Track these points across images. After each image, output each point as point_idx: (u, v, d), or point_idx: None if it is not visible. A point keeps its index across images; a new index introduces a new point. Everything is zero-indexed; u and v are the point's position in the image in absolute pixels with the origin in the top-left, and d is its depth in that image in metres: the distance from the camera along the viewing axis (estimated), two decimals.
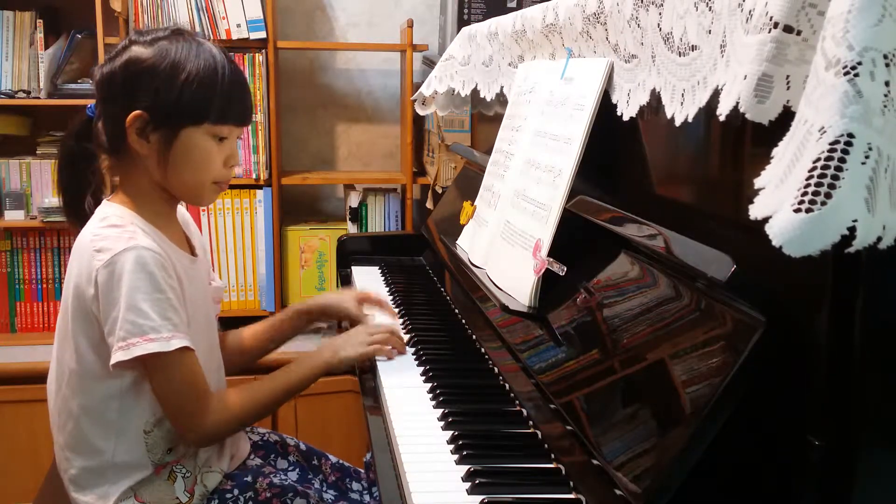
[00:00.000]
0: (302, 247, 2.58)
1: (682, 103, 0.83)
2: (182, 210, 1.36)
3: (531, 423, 1.06)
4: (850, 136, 0.52)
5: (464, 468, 0.93)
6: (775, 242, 0.53)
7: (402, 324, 1.50)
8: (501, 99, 1.59)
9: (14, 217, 2.44)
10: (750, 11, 0.67)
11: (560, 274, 1.09)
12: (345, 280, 1.90)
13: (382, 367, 1.28)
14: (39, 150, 2.49)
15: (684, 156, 1.00)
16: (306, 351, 1.35)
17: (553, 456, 0.96)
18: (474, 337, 1.39)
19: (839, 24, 0.53)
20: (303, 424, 2.40)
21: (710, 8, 0.77)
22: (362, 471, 1.53)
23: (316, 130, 2.79)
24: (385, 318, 1.49)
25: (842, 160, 0.52)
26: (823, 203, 0.52)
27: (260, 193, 2.48)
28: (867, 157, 0.52)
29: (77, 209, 1.26)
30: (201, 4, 2.36)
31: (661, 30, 0.89)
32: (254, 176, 2.46)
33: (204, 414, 1.18)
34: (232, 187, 2.46)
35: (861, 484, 0.66)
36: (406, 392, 1.18)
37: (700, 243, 0.80)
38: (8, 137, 2.50)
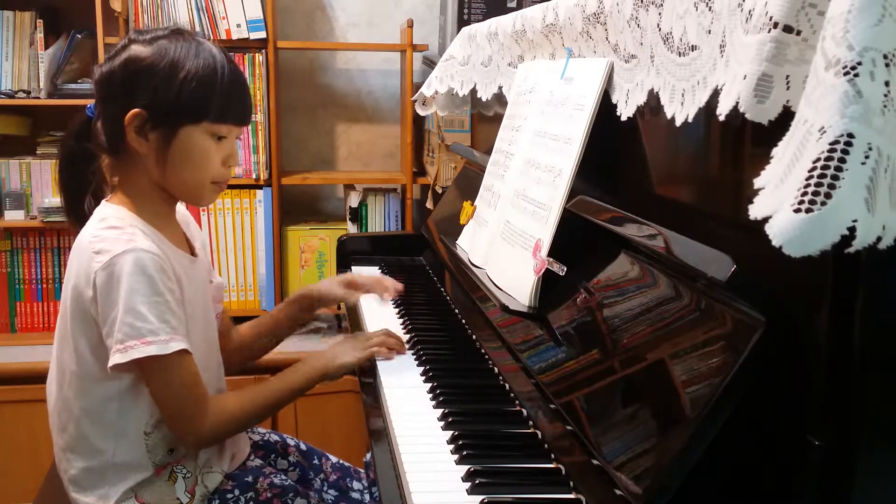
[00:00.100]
0: (302, 247, 2.58)
1: (682, 103, 0.83)
2: (182, 209, 1.36)
3: (531, 423, 1.06)
4: (850, 136, 0.52)
5: (464, 468, 0.93)
6: (775, 242, 0.53)
7: (402, 324, 1.50)
8: (501, 99, 1.59)
9: (14, 217, 2.45)
10: (750, 11, 0.67)
11: (560, 274, 1.09)
12: None
13: (382, 367, 1.28)
14: (39, 150, 2.49)
15: (684, 156, 1.00)
16: (308, 352, 1.36)
17: (553, 456, 0.96)
18: (474, 337, 1.39)
19: (839, 24, 0.53)
20: (303, 424, 2.40)
21: (710, 8, 0.77)
22: (362, 471, 1.53)
23: (316, 130, 2.79)
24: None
25: (842, 160, 0.52)
26: (823, 203, 0.52)
27: (260, 193, 2.48)
28: (867, 157, 0.52)
29: (77, 209, 1.26)
30: (201, 4, 2.36)
31: (660, 30, 0.89)
32: (254, 176, 2.46)
33: (201, 417, 1.18)
34: (232, 187, 2.46)
35: (861, 484, 0.66)
36: (406, 392, 1.18)
37: (700, 243, 0.80)
38: (8, 137, 2.50)
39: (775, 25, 0.61)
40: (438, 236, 1.74)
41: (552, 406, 0.99)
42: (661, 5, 0.88)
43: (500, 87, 1.57)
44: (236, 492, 1.27)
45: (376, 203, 2.59)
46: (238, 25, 2.38)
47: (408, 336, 1.41)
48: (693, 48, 0.81)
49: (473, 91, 1.73)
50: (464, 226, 1.54)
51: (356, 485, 1.48)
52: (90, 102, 1.24)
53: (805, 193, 0.52)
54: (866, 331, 0.65)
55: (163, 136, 1.17)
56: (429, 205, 2.46)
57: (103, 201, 1.24)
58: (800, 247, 0.52)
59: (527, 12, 1.38)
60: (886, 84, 0.52)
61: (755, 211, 0.57)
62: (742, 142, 0.84)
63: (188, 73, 1.15)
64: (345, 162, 2.82)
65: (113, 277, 1.11)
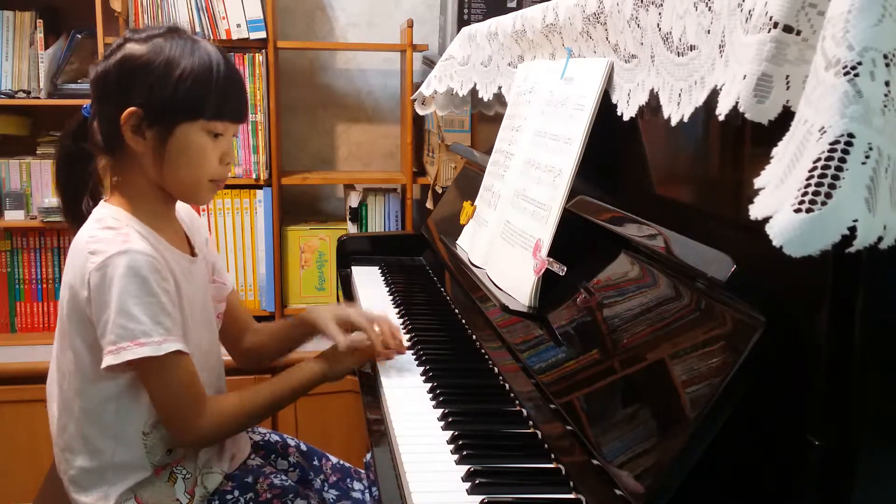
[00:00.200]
0: (302, 247, 2.58)
1: (678, 103, 0.83)
2: (187, 207, 1.36)
3: (531, 423, 1.06)
4: (851, 136, 0.52)
5: (464, 468, 0.93)
6: (775, 242, 0.53)
7: (402, 324, 1.50)
8: (501, 99, 1.59)
9: (14, 217, 2.45)
10: (749, 11, 0.67)
11: (560, 274, 1.09)
12: (345, 280, 1.90)
13: (382, 367, 1.28)
14: (39, 150, 2.49)
15: (684, 156, 1.00)
16: (309, 353, 1.36)
17: (553, 456, 0.96)
18: (474, 337, 1.39)
19: (839, 24, 0.53)
20: (303, 425, 2.40)
21: (710, 8, 0.77)
22: (363, 471, 1.53)
23: (316, 130, 2.79)
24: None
25: (842, 160, 0.52)
26: (824, 203, 0.52)
27: (260, 193, 2.48)
28: (867, 156, 0.52)
29: (75, 209, 1.25)
30: (201, 4, 2.36)
31: (660, 30, 0.89)
32: (254, 176, 2.46)
33: (199, 417, 1.18)
34: (232, 187, 2.46)
35: (861, 484, 0.66)
36: (406, 392, 1.18)
37: (700, 243, 0.79)
38: (8, 137, 2.50)
39: (775, 25, 0.61)
40: (438, 236, 1.74)
41: (552, 406, 0.99)
42: (661, 5, 0.88)
43: (500, 87, 1.57)
44: (236, 493, 1.27)
45: (376, 203, 2.59)
46: (238, 25, 2.38)
47: (408, 336, 1.41)
48: (692, 48, 0.81)
49: (473, 91, 1.73)
50: (464, 226, 1.54)
51: (357, 485, 1.48)
52: (88, 102, 1.24)
53: (805, 193, 0.52)
54: (866, 331, 0.65)
55: (159, 135, 1.17)
56: (429, 205, 2.46)
57: (101, 201, 1.24)
58: (800, 247, 0.52)
59: (527, 12, 1.38)
60: (886, 84, 0.52)
61: (755, 211, 0.57)
62: (742, 142, 0.84)
63: (184, 71, 1.15)
64: (345, 162, 2.82)
65: (106, 278, 1.11)
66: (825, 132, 0.52)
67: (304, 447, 1.50)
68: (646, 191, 1.07)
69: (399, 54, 2.63)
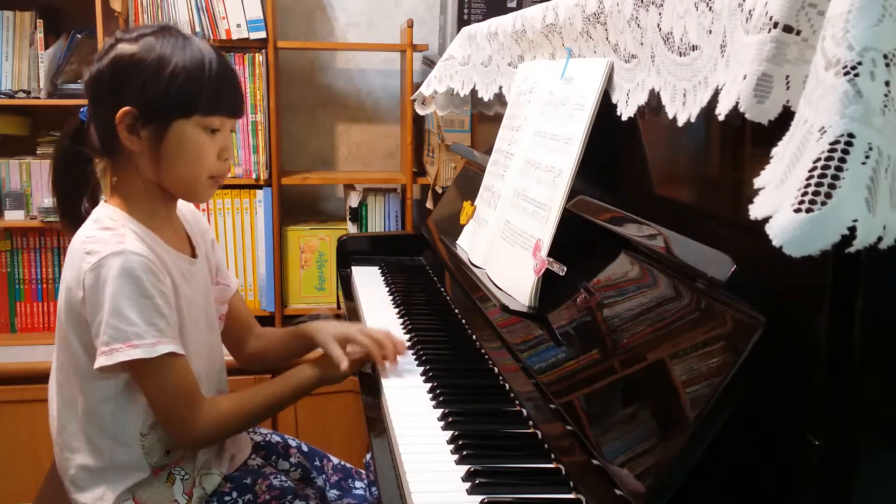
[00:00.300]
0: (302, 247, 2.58)
1: (683, 103, 0.83)
2: (192, 207, 1.36)
3: (531, 423, 1.06)
4: (851, 136, 0.52)
5: (464, 468, 0.93)
6: (775, 242, 0.53)
7: (402, 324, 1.50)
8: (501, 99, 1.59)
9: (14, 217, 2.45)
10: (750, 11, 0.67)
11: (560, 274, 1.09)
12: (345, 280, 1.90)
13: (382, 367, 1.27)
14: (39, 150, 2.49)
15: (684, 156, 1.00)
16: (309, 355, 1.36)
17: (553, 456, 0.96)
18: (474, 337, 1.39)
19: (839, 24, 0.53)
20: (303, 425, 2.40)
21: (710, 8, 0.77)
22: (363, 472, 1.53)
23: (316, 130, 2.79)
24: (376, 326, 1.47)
25: (842, 160, 0.52)
26: (823, 203, 0.52)
27: (260, 193, 2.48)
28: (867, 157, 0.52)
29: (72, 212, 1.25)
30: (201, 4, 2.36)
31: (661, 30, 0.89)
32: (254, 176, 2.46)
33: (195, 418, 1.18)
34: (232, 187, 2.46)
35: (861, 484, 0.66)
36: (406, 392, 1.18)
37: (700, 243, 0.79)
38: (8, 137, 2.50)
39: (775, 25, 0.61)
40: (438, 236, 1.74)
41: (552, 406, 0.99)
42: (662, 5, 0.88)
43: (500, 87, 1.57)
44: (234, 494, 1.27)
45: (376, 203, 2.59)
46: (238, 25, 2.38)
47: (408, 336, 1.41)
48: (694, 48, 0.81)
49: (473, 91, 1.73)
50: (464, 226, 1.54)
51: (358, 484, 1.48)
52: (84, 105, 1.24)
53: (805, 193, 0.52)
54: (866, 331, 0.65)
55: (155, 133, 1.16)
56: (429, 205, 2.46)
57: (101, 202, 1.24)
58: (800, 247, 0.52)
59: (527, 12, 1.38)
60: (886, 84, 0.52)
61: (755, 211, 0.57)
62: (742, 142, 0.84)
63: (176, 67, 1.15)
64: (345, 162, 2.82)
65: (100, 279, 1.11)
66: (825, 132, 0.52)
67: (305, 448, 1.50)
68: (646, 191, 1.07)
69: (399, 54, 2.63)
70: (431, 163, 2.49)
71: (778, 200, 0.55)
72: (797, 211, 0.52)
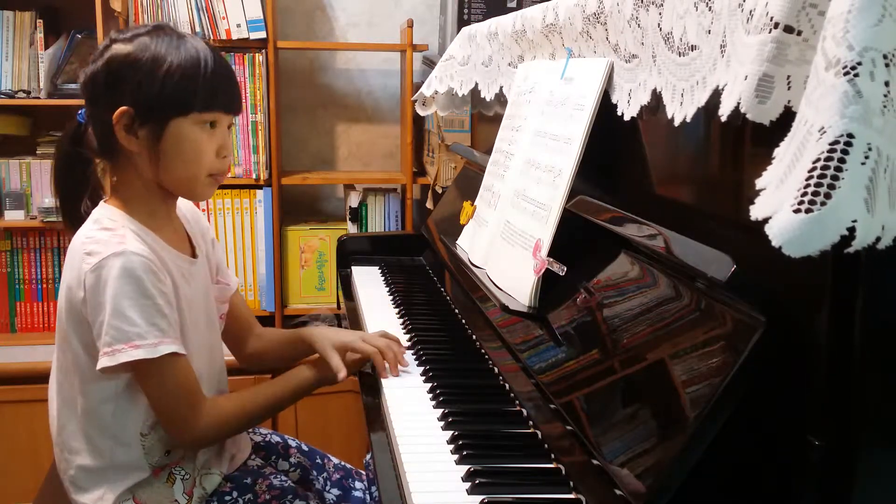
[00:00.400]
0: (302, 247, 2.58)
1: (681, 103, 0.83)
2: (192, 206, 1.36)
3: (531, 423, 1.06)
4: (850, 136, 0.52)
5: (464, 468, 0.93)
6: (775, 243, 0.53)
7: (402, 324, 1.50)
8: (501, 99, 1.59)
9: (14, 217, 2.45)
10: (750, 11, 0.67)
11: (560, 274, 1.09)
12: (345, 280, 1.90)
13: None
14: (39, 150, 2.49)
15: (684, 156, 1.00)
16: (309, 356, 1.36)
17: (553, 456, 0.96)
18: (474, 337, 1.39)
19: (839, 24, 0.53)
20: (303, 425, 2.40)
21: (710, 8, 0.77)
22: (363, 472, 1.53)
23: (316, 130, 2.79)
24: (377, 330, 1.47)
25: (841, 160, 0.52)
26: (823, 203, 0.52)
27: (260, 193, 2.48)
28: (867, 157, 0.52)
29: (73, 212, 1.25)
30: (201, 4, 2.36)
31: (661, 30, 0.89)
32: (254, 176, 2.46)
33: (196, 418, 1.18)
34: (232, 187, 2.46)
35: (861, 484, 0.67)
36: (406, 392, 1.18)
37: (700, 243, 0.80)
38: (8, 137, 2.50)
39: (776, 26, 0.61)
40: (438, 236, 1.74)
41: (552, 406, 0.99)
42: (662, 5, 0.88)
43: (501, 87, 1.57)
44: (234, 494, 1.27)
45: (376, 203, 2.59)
46: (238, 25, 2.38)
47: (408, 336, 1.41)
48: (693, 48, 0.81)
49: (473, 91, 1.73)
50: (464, 226, 1.54)
51: (358, 485, 1.48)
52: (82, 107, 1.23)
53: (805, 194, 0.52)
54: (866, 331, 0.65)
55: (152, 132, 1.16)
56: (429, 205, 2.46)
57: (101, 202, 1.24)
58: (799, 247, 0.52)
59: (527, 12, 1.38)
60: (886, 84, 0.52)
61: (756, 211, 0.57)
62: (742, 142, 0.84)
63: (171, 66, 1.14)
64: (345, 162, 2.82)
65: (101, 280, 1.11)
66: (825, 132, 0.52)
67: (305, 448, 1.50)
68: (646, 191, 1.07)
69: (399, 54, 2.63)
70: (431, 163, 2.50)
71: (777, 201, 0.55)
72: (797, 211, 0.52)
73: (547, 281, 1.11)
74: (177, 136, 1.17)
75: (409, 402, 1.14)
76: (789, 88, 0.62)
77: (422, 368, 1.26)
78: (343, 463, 1.52)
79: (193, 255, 1.29)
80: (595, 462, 0.85)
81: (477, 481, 0.90)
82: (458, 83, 1.80)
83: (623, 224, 0.97)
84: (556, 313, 1.07)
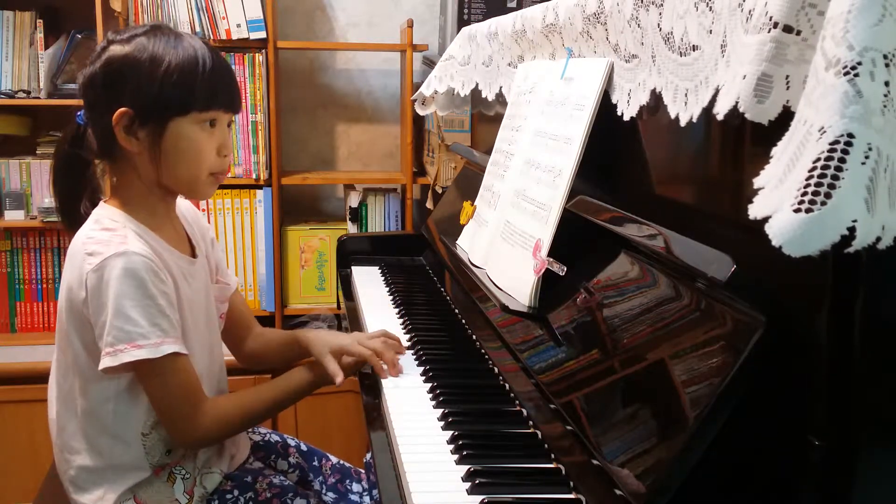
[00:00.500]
0: (302, 247, 2.58)
1: (685, 103, 0.83)
2: (191, 206, 1.36)
3: (531, 423, 1.06)
4: (850, 136, 0.52)
5: (464, 468, 0.93)
6: (775, 242, 0.53)
7: (402, 324, 1.50)
8: (501, 99, 1.59)
9: (14, 217, 2.45)
10: (750, 11, 0.67)
11: (560, 274, 1.09)
12: (345, 280, 1.90)
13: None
14: (39, 150, 2.49)
15: (684, 156, 1.00)
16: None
17: (553, 456, 0.96)
18: (474, 337, 1.39)
19: (839, 24, 0.53)
20: (303, 425, 2.40)
21: (710, 8, 0.77)
22: (363, 471, 1.53)
23: (316, 130, 2.79)
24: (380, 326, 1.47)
25: (842, 160, 0.52)
26: (823, 203, 0.52)
27: (260, 193, 2.48)
28: (867, 157, 0.52)
29: (72, 213, 1.25)
30: (201, 4, 2.36)
31: (661, 30, 0.89)
32: (254, 176, 2.46)
33: (197, 418, 1.18)
34: (232, 187, 2.46)
35: (861, 484, 0.66)
36: (406, 392, 1.18)
37: (700, 243, 0.79)
38: (8, 137, 2.50)
39: (775, 25, 0.61)
40: (438, 236, 1.74)
41: (552, 406, 0.99)
42: (662, 5, 0.88)
43: (501, 87, 1.57)
44: (235, 492, 1.27)
45: (376, 203, 2.59)
46: (238, 25, 2.38)
47: (408, 336, 1.41)
48: (694, 48, 0.81)
49: (473, 91, 1.73)
50: (464, 226, 1.54)
51: (356, 486, 1.48)
52: (81, 109, 1.23)
53: (805, 193, 0.52)
54: (866, 331, 0.65)
55: (152, 133, 1.16)
56: (429, 205, 2.46)
57: (100, 203, 1.24)
58: (800, 247, 0.52)
59: (527, 12, 1.38)
60: (886, 84, 0.52)
61: (755, 211, 0.57)
62: (742, 142, 0.84)
63: (169, 65, 1.14)
64: (345, 162, 2.82)
65: (103, 280, 1.11)
66: (825, 132, 0.52)
67: (304, 447, 1.50)
68: (646, 191, 1.07)
69: (399, 54, 2.63)
70: (431, 163, 2.49)
71: (777, 200, 0.55)
72: (797, 211, 0.52)
73: (547, 281, 1.11)
74: (177, 135, 1.17)
75: (409, 402, 1.14)
76: (788, 88, 0.62)
77: (422, 368, 1.26)
78: (342, 462, 1.52)
79: (193, 255, 1.29)
80: (595, 462, 0.85)
81: (477, 481, 0.90)
82: (458, 83, 1.80)
83: (623, 224, 0.97)
84: (556, 313, 1.07)
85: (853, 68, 0.52)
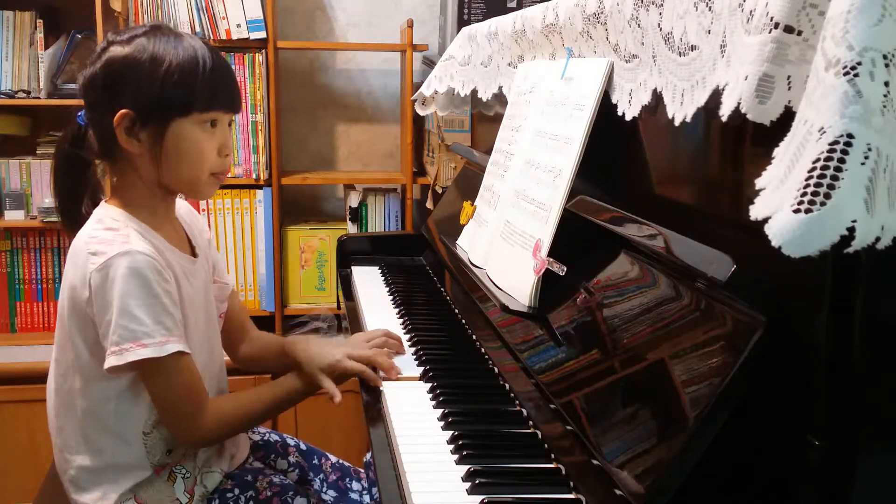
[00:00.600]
0: (302, 247, 2.58)
1: (681, 103, 0.83)
2: (188, 206, 1.36)
3: (531, 423, 1.06)
4: (850, 136, 0.52)
5: (464, 468, 0.93)
6: (775, 243, 0.53)
7: (402, 324, 1.50)
8: (501, 99, 1.59)
9: (14, 217, 2.45)
10: (750, 12, 0.67)
11: (560, 274, 1.09)
12: (345, 280, 1.90)
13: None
14: (39, 150, 2.49)
15: (684, 156, 1.00)
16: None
17: (553, 456, 0.96)
18: (474, 337, 1.39)
19: (839, 24, 0.53)
20: (303, 424, 2.40)
21: (710, 8, 0.77)
22: (362, 471, 1.53)
23: (316, 130, 2.79)
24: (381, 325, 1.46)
25: (841, 160, 0.52)
26: (823, 203, 0.52)
27: (260, 193, 2.48)
28: (867, 157, 0.52)
29: (73, 214, 1.25)
30: (201, 4, 2.36)
31: (661, 30, 0.89)
32: (254, 176, 2.46)
33: (200, 417, 1.18)
34: (232, 187, 2.46)
35: (861, 484, 0.66)
36: (406, 392, 1.18)
37: (700, 243, 0.80)
38: (8, 137, 2.50)
39: (776, 26, 0.61)
40: (438, 236, 1.74)
41: (552, 406, 0.99)
42: (662, 5, 0.88)
43: (501, 87, 1.57)
44: (236, 491, 1.27)
45: (376, 203, 2.59)
46: (238, 25, 2.38)
47: (408, 336, 1.41)
48: (693, 48, 0.81)
49: (473, 91, 1.73)
50: (464, 226, 1.54)
51: (355, 485, 1.48)
52: (81, 109, 1.23)
53: (805, 194, 0.52)
54: (866, 331, 0.65)
55: (154, 134, 1.16)
56: (429, 205, 2.46)
57: (101, 203, 1.24)
58: (799, 247, 0.52)
59: (527, 12, 1.38)
60: (886, 84, 0.52)
61: (756, 212, 0.57)
62: (742, 142, 0.84)
63: (170, 66, 1.14)
64: (345, 162, 2.82)
65: (108, 279, 1.11)
66: (825, 132, 0.52)
67: (303, 447, 1.50)
68: (646, 191, 1.07)
69: (399, 54, 2.63)
70: (431, 163, 2.50)
71: (777, 201, 0.55)
72: (796, 211, 0.52)
73: (547, 281, 1.11)
74: (178, 136, 1.17)
75: (409, 402, 1.14)
76: (789, 88, 0.62)
77: (422, 369, 1.26)
78: (341, 462, 1.52)
79: (193, 255, 1.29)
80: (595, 462, 0.85)
81: (477, 481, 0.90)
82: (458, 83, 1.80)
83: (623, 224, 0.97)
84: (556, 313, 1.07)
85: (853, 68, 0.52)
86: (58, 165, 1.26)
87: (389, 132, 2.82)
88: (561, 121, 1.17)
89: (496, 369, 1.24)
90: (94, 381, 1.17)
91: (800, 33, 0.61)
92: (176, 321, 1.15)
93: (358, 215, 2.59)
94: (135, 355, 1.11)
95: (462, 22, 2.24)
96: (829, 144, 0.52)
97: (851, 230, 0.52)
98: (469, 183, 1.71)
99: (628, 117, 1.00)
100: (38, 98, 2.40)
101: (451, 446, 0.99)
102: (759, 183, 0.58)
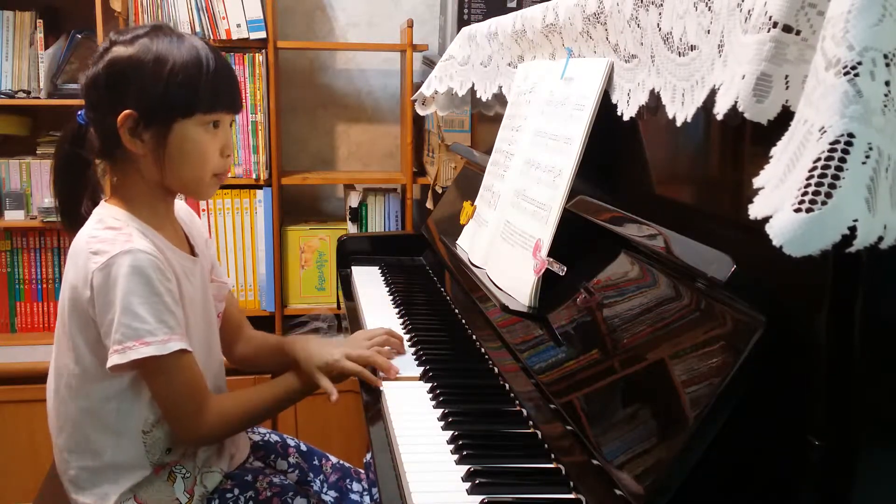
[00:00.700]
0: (302, 247, 2.57)
1: (682, 103, 0.83)
2: (186, 206, 1.36)
3: (531, 423, 1.06)
4: (851, 135, 0.52)
5: (464, 468, 0.93)
6: (775, 242, 0.53)
7: (402, 324, 1.50)
8: (501, 99, 1.59)
9: (14, 217, 2.45)
10: (749, 11, 0.67)
11: (560, 274, 1.09)
12: (345, 280, 1.90)
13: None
14: (39, 150, 2.49)
15: (684, 156, 1.00)
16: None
17: (553, 456, 0.96)
18: (474, 337, 1.39)
19: (839, 24, 0.53)
20: (303, 425, 2.40)
21: (710, 8, 0.77)
22: (362, 472, 1.53)
23: (316, 130, 2.79)
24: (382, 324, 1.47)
25: (842, 160, 0.52)
26: (824, 203, 0.51)
27: (260, 193, 2.48)
28: (867, 156, 0.52)
29: (73, 213, 1.25)
30: (201, 4, 2.36)
31: (660, 30, 0.89)
32: (254, 176, 2.46)
33: (202, 416, 1.18)
34: (232, 187, 2.46)
35: (861, 484, 0.66)
36: (406, 392, 1.18)
37: (700, 243, 0.79)
38: (8, 137, 2.50)
39: (775, 25, 0.61)
40: (438, 236, 1.74)
41: (552, 406, 0.99)
42: (661, 5, 0.88)
43: (500, 87, 1.57)
44: (236, 491, 1.27)
45: (376, 203, 2.59)
46: (238, 25, 2.38)
47: (408, 336, 1.41)
48: (692, 48, 0.81)
49: (473, 91, 1.72)
50: (464, 226, 1.54)
51: (355, 486, 1.48)
52: (82, 108, 1.23)
53: (805, 193, 0.52)
54: (866, 331, 0.65)
55: (157, 135, 1.16)
56: (429, 205, 2.46)
57: (101, 202, 1.24)
58: (800, 247, 0.52)
59: (527, 12, 1.38)
60: (887, 84, 0.52)
61: (755, 211, 0.57)
62: (742, 142, 0.84)
63: (173, 67, 1.14)
64: (345, 162, 2.82)
65: (110, 278, 1.11)
66: (825, 132, 0.52)
67: (303, 447, 1.50)
68: (646, 191, 1.07)
69: (399, 54, 2.63)
70: (431, 163, 2.49)
71: (778, 200, 0.55)
72: (797, 211, 0.52)
73: (547, 281, 1.11)
74: (182, 138, 1.17)
75: (409, 402, 1.14)
76: (787, 88, 0.62)
77: (422, 368, 1.26)
78: (342, 462, 1.52)
79: (193, 254, 1.29)
80: (595, 462, 0.85)
81: (477, 481, 0.90)
82: (457, 83, 1.80)
83: (623, 224, 0.97)
84: (556, 313, 1.07)
85: (853, 68, 0.52)
86: (58, 165, 1.26)
87: (389, 132, 2.82)
88: (561, 121, 1.17)
89: (496, 369, 1.24)
90: (95, 381, 1.17)
91: (798, 33, 0.61)
92: (178, 319, 1.15)
93: (358, 215, 2.59)
94: (137, 353, 1.11)
95: (462, 22, 2.24)
96: (830, 144, 0.52)
97: (853, 230, 0.52)
98: (469, 183, 1.70)
99: (627, 117, 1.00)
100: (38, 98, 2.40)
101: (451, 446, 0.99)
102: (757, 182, 0.58)
